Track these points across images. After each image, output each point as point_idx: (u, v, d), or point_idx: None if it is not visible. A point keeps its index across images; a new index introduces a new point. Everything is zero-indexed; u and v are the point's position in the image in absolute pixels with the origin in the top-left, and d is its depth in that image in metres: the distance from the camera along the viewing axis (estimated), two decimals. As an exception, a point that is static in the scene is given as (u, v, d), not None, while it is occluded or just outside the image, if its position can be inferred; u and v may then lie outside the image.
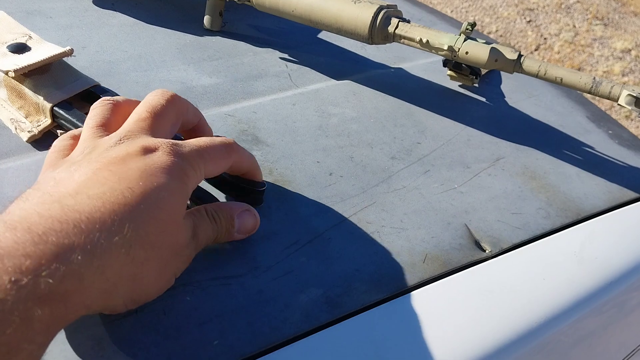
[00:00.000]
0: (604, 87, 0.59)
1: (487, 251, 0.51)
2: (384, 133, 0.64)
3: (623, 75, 3.57)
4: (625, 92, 0.57)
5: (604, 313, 0.55)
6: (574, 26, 4.05)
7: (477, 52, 0.62)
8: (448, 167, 0.61)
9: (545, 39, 3.81)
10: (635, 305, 0.61)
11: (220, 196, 0.50)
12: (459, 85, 0.77)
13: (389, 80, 0.76)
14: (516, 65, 0.62)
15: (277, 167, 0.55)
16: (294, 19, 0.69)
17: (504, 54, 0.62)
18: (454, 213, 0.55)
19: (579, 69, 3.55)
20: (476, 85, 0.77)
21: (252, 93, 0.66)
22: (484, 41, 0.63)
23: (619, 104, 0.58)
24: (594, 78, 0.59)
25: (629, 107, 0.57)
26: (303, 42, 0.80)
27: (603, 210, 0.60)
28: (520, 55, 0.62)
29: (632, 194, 0.64)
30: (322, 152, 0.59)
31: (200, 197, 0.46)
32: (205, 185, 0.49)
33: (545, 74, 0.61)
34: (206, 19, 0.76)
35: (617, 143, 0.73)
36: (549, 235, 0.55)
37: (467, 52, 0.62)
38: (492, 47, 0.61)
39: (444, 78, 0.78)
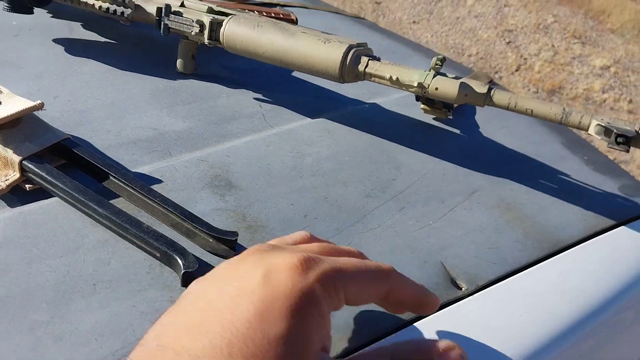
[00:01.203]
0: (574, 118, 0.59)
1: (463, 289, 0.51)
2: (359, 170, 0.64)
3: (603, 92, 3.62)
4: (594, 122, 0.58)
5: (587, 342, 0.55)
6: (553, 45, 4.12)
7: (446, 87, 0.62)
8: (423, 203, 0.61)
9: (525, 59, 3.87)
10: (619, 331, 0.61)
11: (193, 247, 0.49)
12: (433, 118, 0.78)
13: (364, 116, 0.76)
14: (486, 99, 0.62)
15: (250, 212, 0.55)
16: (265, 60, 0.69)
17: (474, 88, 0.62)
18: (429, 250, 0.54)
19: (559, 88, 3.60)
20: (450, 117, 0.78)
21: (225, 136, 0.66)
22: (454, 75, 0.64)
23: (588, 134, 0.58)
24: (564, 108, 0.60)
25: (599, 137, 0.57)
26: (277, 81, 0.81)
27: (579, 240, 0.60)
28: (490, 89, 0.62)
29: (608, 222, 0.64)
30: (297, 193, 0.59)
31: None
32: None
33: (515, 106, 0.61)
34: (179, 63, 0.77)
35: (592, 169, 0.74)
36: (526, 268, 0.55)
37: (436, 88, 0.63)
38: (461, 82, 0.62)
39: (418, 111, 0.78)
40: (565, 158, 0.75)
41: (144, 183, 0.53)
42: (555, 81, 3.65)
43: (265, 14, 0.92)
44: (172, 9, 0.72)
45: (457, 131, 0.76)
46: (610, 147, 0.56)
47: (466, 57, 3.77)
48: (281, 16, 0.94)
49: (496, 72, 3.65)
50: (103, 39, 0.84)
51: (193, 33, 0.71)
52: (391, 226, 0.57)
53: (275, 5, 1.10)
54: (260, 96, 0.76)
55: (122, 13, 0.74)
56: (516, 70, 3.70)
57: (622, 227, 0.64)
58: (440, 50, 3.83)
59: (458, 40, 3.99)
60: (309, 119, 0.73)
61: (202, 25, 0.71)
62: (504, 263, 0.55)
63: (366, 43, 0.69)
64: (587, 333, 0.52)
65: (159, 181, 0.56)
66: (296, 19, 0.94)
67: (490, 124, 0.79)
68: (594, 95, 3.58)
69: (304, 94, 0.78)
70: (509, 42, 4.03)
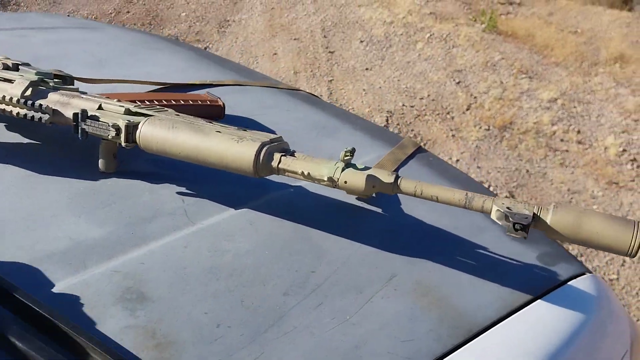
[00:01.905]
0: (477, 203, 0.61)
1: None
2: (279, 265, 0.65)
3: (552, 125, 3.73)
4: (494, 208, 0.60)
5: None
6: (502, 82, 4.25)
7: (354, 181, 0.64)
8: (341, 295, 0.62)
9: (475, 97, 3.98)
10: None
11: None
12: (356, 198, 0.80)
13: (288, 202, 0.77)
14: (394, 187, 0.64)
15: (161, 326, 0.55)
16: (181, 159, 0.70)
17: (381, 178, 0.64)
18: (344, 351, 0.55)
19: (510, 124, 3.70)
20: (374, 195, 0.80)
21: (144, 238, 0.66)
22: (363, 167, 0.66)
23: (492, 219, 0.60)
24: (467, 194, 0.62)
25: (500, 223, 0.59)
26: (202, 172, 0.81)
27: (495, 321, 0.62)
28: (397, 177, 0.64)
29: (523, 297, 0.66)
30: (212, 299, 0.59)
31: None
32: None
33: (421, 193, 0.63)
34: (101, 163, 0.77)
35: (511, 239, 0.76)
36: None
37: (345, 182, 0.64)
38: (368, 175, 0.64)
39: (342, 192, 0.80)
40: (484, 229, 0.77)
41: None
42: (506, 117, 3.75)
43: (191, 102, 0.93)
44: (89, 113, 0.73)
45: (379, 210, 0.78)
46: (508, 234, 0.58)
47: (418, 100, 3.86)
48: (208, 102, 0.95)
49: (448, 113, 3.74)
50: (26, 140, 0.84)
51: (110, 137, 0.72)
52: (307, 326, 0.57)
53: (207, 86, 1.12)
54: (183, 189, 0.77)
55: (40, 119, 0.75)
56: (467, 110, 3.80)
57: (539, 300, 0.66)
58: (393, 94, 3.92)
59: (410, 83, 4.09)
60: (232, 210, 0.74)
61: (118, 129, 0.71)
62: (418, 356, 0.56)
63: (281, 137, 0.70)
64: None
65: (69, 303, 0.56)
66: (223, 104, 0.96)
67: (411, 199, 0.81)
68: (544, 128, 3.69)
69: (229, 183, 0.79)
70: (458, 82, 4.15)
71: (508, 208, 0.59)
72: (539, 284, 0.68)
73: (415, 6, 5.61)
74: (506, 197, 0.63)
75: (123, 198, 0.74)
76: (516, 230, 0.57)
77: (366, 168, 0.65)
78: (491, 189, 3.03)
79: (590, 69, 4.58)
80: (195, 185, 0.78)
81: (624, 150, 3.46)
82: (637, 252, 0.56)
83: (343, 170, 0.65)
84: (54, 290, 0.57)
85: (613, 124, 3.75)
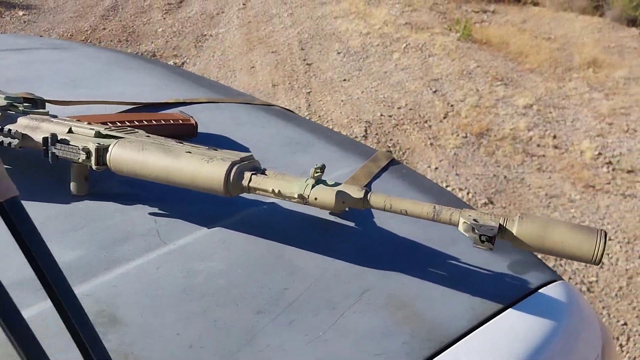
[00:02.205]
0: (444, 215, 0.62)
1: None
2: (252, 284, 0.65)
3: (529, 130, 3.79)
4: (461, 220, 0.61)
5: None
6: (477, 90, 4.31)
7: (324, 197, 0.65)
8: (314, 312, 0.62)
9: (452, 106, 4.02)
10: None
11: None
12: (330, 213, 0.80)
13: (261, 219, 0.78)
14: (364, 202, 0.65)
15: (133, 350, 0.55)
16: (152, 180, 0.70)
17: (351, 194, 0.65)
18: (317, 367, 0.55)
19: (487, 130, 3.75)
20: (346, 209, 0.80)
21: (116, 261, 0.66)
22: (333, 183, 0.67)
23: (460, 231, 0.61)
24: (434, 207, 0.63)
25: (467, 235, 0.60)
26: (174, 191, 0.81)
27: (466, 332, 0.63)
28: (367, 193, 0.65)
29: (494, 307, 0.67)
30: (184, 321, 0.59)
31: None
32: None
33: (391, 207, 0.64)
34: (72, 186, 0.77)
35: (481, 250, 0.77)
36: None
37: (316, 198, 0.65)
38: (337, 191, 0.65)
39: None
40: (456, 240, 0.78)
41: None
42: (483, 124, 3.80)
43: (163, 121, 0.94)
44: (59, 137, 0.73)
45: (352, 224, 0.79)
46: (475, 246, 0.59)
47: (396, 110, 3.90)
48: (180, 121, 0.96)
49: (426, 122, 3.78)
50: (-4, 165, 0.83)
51: (80, 160, 0.72)
52: (280, 344, 0.58)
53: (180, 104, 1.13)
54: (156, 210, 0.77)
55: (10, 144, 0.75)
56: (444, 118, 3.84)
57: (510, 309, 0.67)
58: (371, 104, 3.95)
59: (387, 93, 4.12)
60: (205, 229, 0.74)
61: (88, 152, 0.71)
62: (391, 370, 0.56)
63: (251, 155, 0.71)
64: None
65: (40, 328, 0.55)
66: (196, 123, 0.96)
67: (384, 212, 0.82)
68: (520, 134, 3.74)
69: (203, 202, 0.79)
70: (435, 91, 4.20)
71: (474, 220, 0.60)
72: (509, 293, 0.69)
73: (390, 17, 5.67)
74: (473, 208, 0.64)
75: (95, 220, 0.74)
76: (482, 242, 0.58)
77: (336, 184, 0.66)
78: (470, 195, 3.06)
79: (564, 75, 4.66)
80: (168, 205, 0.78)
81: (600, 154, 3.52)
82: (600, 260, 0.57)
83: (313, 187, 0.66)
84: (24, 316, 0.57)
85: (588, 128, 3.81)
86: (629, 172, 3.32)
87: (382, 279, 0.68)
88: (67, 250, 0.67)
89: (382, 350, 0.58)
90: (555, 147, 3.65)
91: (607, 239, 0.57)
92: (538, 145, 3.65)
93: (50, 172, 0.83)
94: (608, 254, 2.70)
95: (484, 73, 4.60)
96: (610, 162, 3.42)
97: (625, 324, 2.34)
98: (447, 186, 3.13)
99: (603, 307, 2.43)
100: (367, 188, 0.66)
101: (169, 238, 0.72)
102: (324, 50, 4.90)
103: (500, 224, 0.59)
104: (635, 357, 2.20)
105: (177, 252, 0.69)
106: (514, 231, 0.59)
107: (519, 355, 0.62)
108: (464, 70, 4.62)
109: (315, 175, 0.67)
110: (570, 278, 2.54)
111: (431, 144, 3.59)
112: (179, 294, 0.62)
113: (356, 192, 0.65)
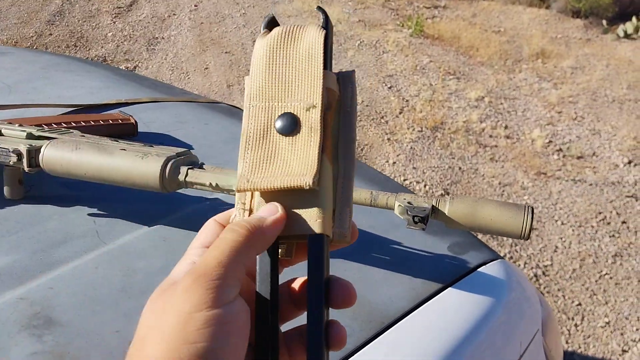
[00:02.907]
0: (381, 200, 0.63)
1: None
2: (193, 278, 0.65)
3: (481, 122, 3.86)
4: (397, 203, 0.62)
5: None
6: (431, 84, 4.37)
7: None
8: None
9: (407, 101, 4.07)
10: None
11: None
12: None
13: (204, 215, 0.77)
14: (302, 191, 0.65)
15: (70, 349, 0.54)
16: (88, 179, 0.69)
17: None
18: None
19: (441, 124, 3.81)
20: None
21: (52, 264, 0.65)
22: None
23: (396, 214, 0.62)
24: (372, 193, 0.64)
25: (402, 217, 0.61)
26: (114, 190, 0.80)
27: (407, 312, 0.64)
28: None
29: (434, 286, 0.68)
30: (124, 318, 0.58)
31: None
32: None
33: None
34: (6, 190, 0.75)
35: (424, 232, 0.79)
36: (351, 355, 0.57)
37: (253, 189, 0.65)
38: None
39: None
40: (399, 225, 0.79)
41: None
42: (437, 118, 3.86)
43: (102, 122, 0.92)
44: (-12, 140, 0.71)
45: (296, 215, 0.79)
46: (408, 228, 0.60)
47: (352, 106, 3.92)
48: (120, 121, 0.95)
49: (382, 117, 3.82)
50: None
51: (11, 162, 0.70)
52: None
53: (121, 104, 1.11)
54: (95, 210, 0.76)
55: (-64, 149, 0.72)
56: (400, 113, 3.89)
57: (450, 288, 0.69)
58: (327, 102, 3.96)
59: (342, 90, 4.14)
60: (145, 228, 0.73)
61: (19, 154, 0.70)
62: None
63: (188, 150, 0.71)
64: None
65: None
66: (135, 122, 0.95)
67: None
68: (473, 126, 3.81)
69: (143, 200, 0.79)
70: (390, 87, 4.24)
71: (409, 203, 0.61)
72: (450, 273, 0.71)
73: (344, 15, 5.70)
74: (409, 192, 0.66)
75: (31, 224, 0.72)
76: (415, 222, 0.59)
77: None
78: (427, 188, 3.10)
79: (514, 66, 4.77)
80: (108, 205, 0.77)
81: (550, 142, 3.62)
82: (529, 235, 0.59)
83: (250, 178, 0.65)
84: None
85: (538, 117, 3.91)
86: (578, 158, 3.42)
87: (324, 267, 0.69)
88: (0, 256, 0.66)
89: (322, 335, 0.59)
90: (507, 137, 3.74)
91: (534, 214, 0.59)
92: (490, 136, 3.73)
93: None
94: (562, 238, 2.78)
95: (436, 68, 4.67)
96: (560, 149, 3.51)
97: (580, 304, 2.41)
98: (404, 180, 3.17)
99: (558, 290, 2.50)
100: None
101: (108, 238, 0.71)
102: (278, 50, 4.89)
103: (433, 205, 0.61)
104: (589, 335, 2.27)
105: (117, 251, 0.68)
106: (446, 211, 0.60)
107: (460, 332, 0.64)
108: (418, 66, 4.68)
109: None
110: (525, 263, 2.61)
111: (388, 139, 3.63)
112: (118, 293, 0.62)
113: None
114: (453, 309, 0.66)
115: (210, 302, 0.33)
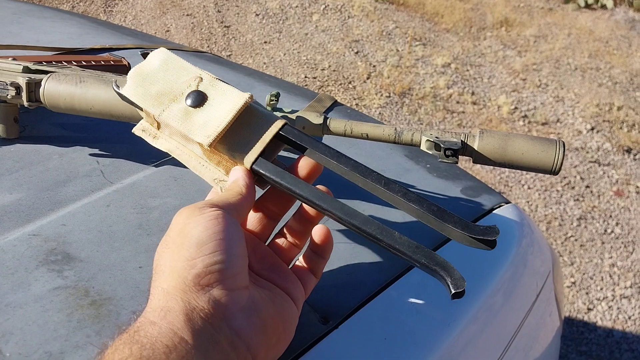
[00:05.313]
0: (406, 136, 0.62)
1: (330, 322, 0.51)
2: (210, 217, 0.63)
3: (448, 88, 3.89)
4: (424, 139, 0.61)
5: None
6: (397, 50, 4.36)
7: (283, 122, 0.62)
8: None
9: (374, 66, 4.06)
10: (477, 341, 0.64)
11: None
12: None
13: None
14: (324, 129, 0.63)
15: (93, 284, 0.51)
16: (93, 115, 0.65)
17: (310, 120, 0.63)
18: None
19: (409, 90, 3.82)
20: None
21: (60, 202, 0.61)
22: (290, 109, 0.64)
23: (422, 150, 0.61)
24: (396, 129, 0.62)
25: (430, 152, 0.60)
26: (115, 131, 0.77)
27: (433, 249, 0.63)
28: (326, 119, 0.64)
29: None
30: (145, 254, 0.56)
31: None
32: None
33: (351, 132, 0.63)
34: (0, 128, 0.70)
35: (435, 176, 0.78)
36: (383, 290, 0.56)
37: (274, 124, 0.63)
38: (297, 117, 0.63)
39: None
40: (410, 170, 0.78)
41: (379, 174, 0.50)
42: (404, 84, 3.86)
43: (93, 62, 0.87)
44: (-18, 73, 0.66)
45: (306, 158, 0.77)
46: (440, 161, 0.59)
47: (320, 71, 3.88)
48: (112, 63, 0.89)
49: (350, 83, 3.79)
50: None
51: (9, 96, 0.66)
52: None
53: (107, 50, 1.05)
54: (96, 151, 0.72)
55: None
56: (367, 79, 3.87)
57: (468, 228, 0.68)
58: (295, 66, 3.91)
59: (310, 55, 4.09)
60: (152, 168, 0.70)
61: (18, 88, 0.65)
62: (363, 288, 0.56)
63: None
64: (444, 352, 0.54)
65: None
66: (128, 64, 0.90)
67: (339, 145, 0.81)
68: (440, 92, 3.83)
69: (144, 142, 0.75)
70: (357, 52, 4.21)
71: (437, 137, 0.60)
72: (467, 214, 0.71)
73: (308, -22, 5.60)
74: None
75: (31, 164, 0.68)
76: (447, 156, 0.58)
77: (293, 111, 0.64)
78: (397, 152, 3.11)
79: (479, 34, 4.80)
80: (109, 146, 0.73)
81: (516, 108, 3.68)
82: (559, 169, 0.58)
83: (271, 113, 0.63)
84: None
85: (504, 84, 3.97)
86: (543, 124, 3.49)
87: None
88: (3, 193, 0.62)
89: (352, 270, 0.58)
90: (474, 103, 3.78)
91: (566, 148, 0.58)
92: (457, 102, 3.76)
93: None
94: (528, 202, 2.85)
95: (402, 34, 4.66)
96: (525, 116, 3.58)
97: (545, 264, 2.49)
98: (373, 144, 3.17)
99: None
100: (326, 115, 0.65)
101: (114, 178, 0.67)
102: (242, 12, 4.78)
103: (462, 141, 0.60)
104: (555, 294, 2.35)
105: (127, 190, 0.65)
106: (475, 146, 0.59)
107: (483, 269, 0.63)
108: (384, 31, 4.66)
109: (271, 102, 0.64)
110: (493, 225, 2.66)
111: (357, 104, 3.61)
112: (135, 229, 0.59)
113: (315, 118, 0.63)
114: (470, 249, 0.66)
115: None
